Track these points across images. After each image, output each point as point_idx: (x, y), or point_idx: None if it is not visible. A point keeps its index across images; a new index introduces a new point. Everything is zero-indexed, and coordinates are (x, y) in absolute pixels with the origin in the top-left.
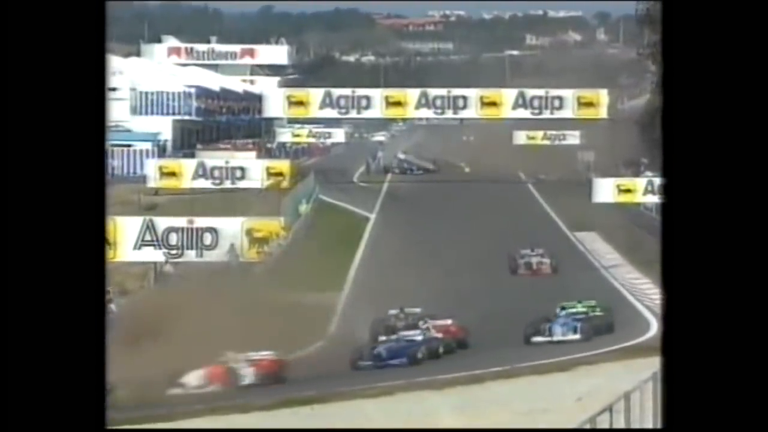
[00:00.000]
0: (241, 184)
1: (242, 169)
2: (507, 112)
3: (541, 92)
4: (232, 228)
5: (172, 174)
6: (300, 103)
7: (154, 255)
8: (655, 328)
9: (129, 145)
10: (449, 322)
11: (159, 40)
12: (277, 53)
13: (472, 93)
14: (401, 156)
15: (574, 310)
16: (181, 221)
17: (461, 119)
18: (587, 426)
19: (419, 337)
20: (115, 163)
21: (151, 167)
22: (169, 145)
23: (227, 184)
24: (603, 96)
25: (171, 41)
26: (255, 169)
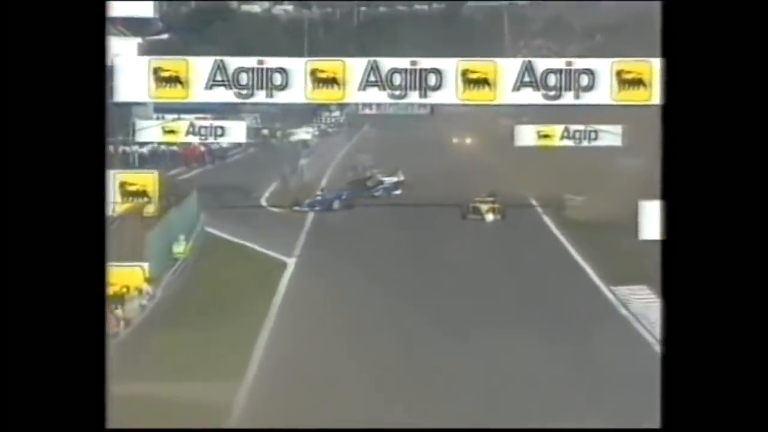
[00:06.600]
0: None
1: None
2: (505, 94)
3: (559, 63)
4: None
5: None
6: (175, 80)
7: None
8: None
9: None
10: None
11: None
12: (139, 3)
13: (451, 64)
14: None
15: None
16: None
17: (432, 106)
18: None
19: None
20: None
21: None
22: None
23: None
24: (656, 68)
25: None
26: None
